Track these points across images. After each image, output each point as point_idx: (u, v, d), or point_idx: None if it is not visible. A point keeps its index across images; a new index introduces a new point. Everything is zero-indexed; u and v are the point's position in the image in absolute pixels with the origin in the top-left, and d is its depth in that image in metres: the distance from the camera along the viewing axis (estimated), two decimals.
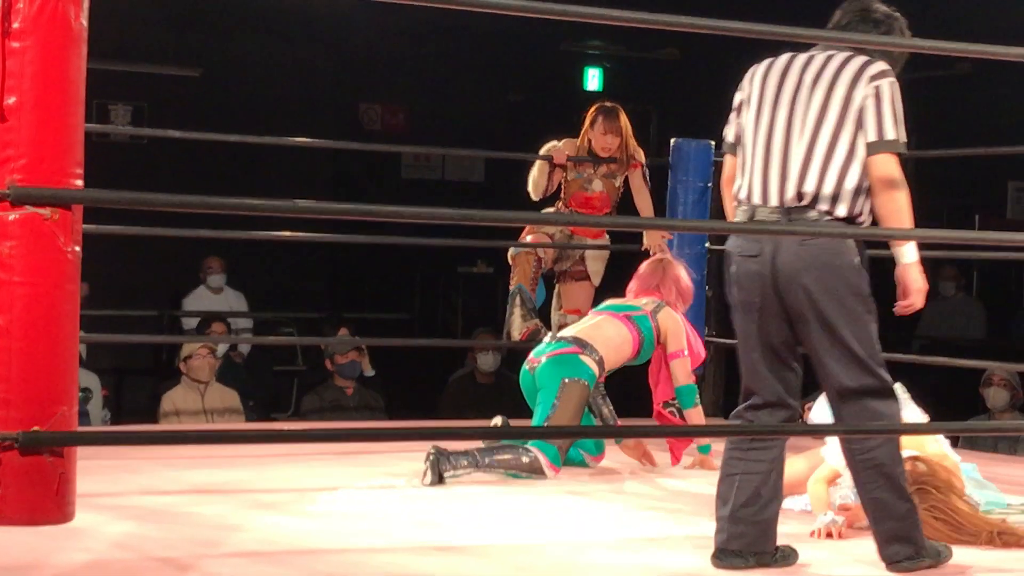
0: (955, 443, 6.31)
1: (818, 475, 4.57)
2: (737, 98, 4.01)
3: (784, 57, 3.96)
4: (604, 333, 5.51)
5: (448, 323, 12.30)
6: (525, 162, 6.80)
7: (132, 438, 5.12)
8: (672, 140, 7.05)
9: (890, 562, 3.89)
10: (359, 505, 4.78)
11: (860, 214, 3.86)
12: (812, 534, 4.33)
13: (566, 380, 5.33)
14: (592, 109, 6.71)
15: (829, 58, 3.89)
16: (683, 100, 11.95)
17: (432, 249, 10.50)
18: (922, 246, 7.26)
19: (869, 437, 3.86)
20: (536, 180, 6.67)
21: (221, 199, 3.55)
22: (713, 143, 6.91)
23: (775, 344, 3.91)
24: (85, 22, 3.16)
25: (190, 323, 9.62)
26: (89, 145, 3.33)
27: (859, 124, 3.81)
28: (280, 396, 10.13)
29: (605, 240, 6.74)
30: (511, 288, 6.62)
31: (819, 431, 4.57)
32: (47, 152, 3.12)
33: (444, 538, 4.24)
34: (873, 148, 3.81)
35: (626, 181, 6.70)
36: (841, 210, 3.82)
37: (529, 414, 5.55)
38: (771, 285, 3.86)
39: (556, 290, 6.79)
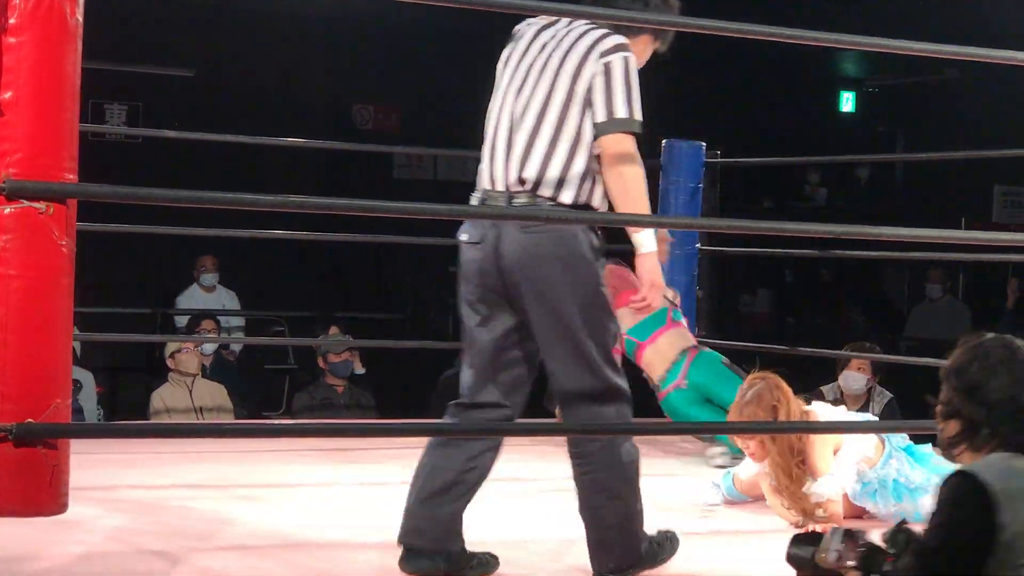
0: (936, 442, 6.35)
1: (766, 490, 4.64)
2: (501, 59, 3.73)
3: (536, 24, 3.67)
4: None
5: (439, 323, 12.30)
6: None
7: (126, 431, 5.15)
8: (663, 141, 7.08)
9: (598, 573, 3.62)
10: (349, 501, 4.81)
11: (590, 200, 3.53)
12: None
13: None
14: None
15: (569, 31, 3.59)
16: (675, 101, 11.97)
17: (423, 249, 10.51)
18: (909, 247, 7.33)
19: (589, 440, 3.57)
20: None
21: (213, 194, 3.60)
22: (704, 144, 6.95)
23: (498, 340, 3.58)
24: (80, 18, 3.17)
25: (183, 321, 9.63)
26: (84, 144, 3.35)
27: (588, 104, 3.51)
28: (271, 394, 10.15)
29: None
30: None
31: (746, 430, 4.67)
32: (42, 147, 3.13)
33: None
34: (602, 128, 3.49)
35: None
36: (566, 196, 3.50)
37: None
38: (494, 275, 3.53)
39: None
